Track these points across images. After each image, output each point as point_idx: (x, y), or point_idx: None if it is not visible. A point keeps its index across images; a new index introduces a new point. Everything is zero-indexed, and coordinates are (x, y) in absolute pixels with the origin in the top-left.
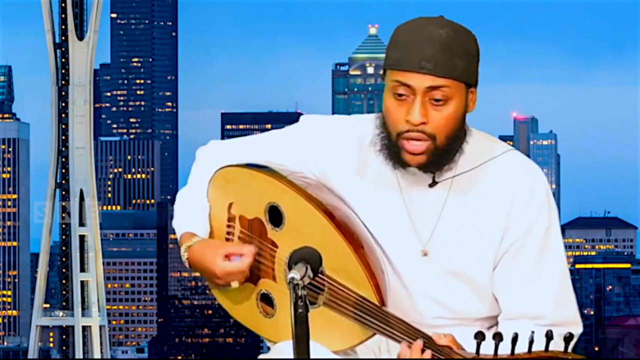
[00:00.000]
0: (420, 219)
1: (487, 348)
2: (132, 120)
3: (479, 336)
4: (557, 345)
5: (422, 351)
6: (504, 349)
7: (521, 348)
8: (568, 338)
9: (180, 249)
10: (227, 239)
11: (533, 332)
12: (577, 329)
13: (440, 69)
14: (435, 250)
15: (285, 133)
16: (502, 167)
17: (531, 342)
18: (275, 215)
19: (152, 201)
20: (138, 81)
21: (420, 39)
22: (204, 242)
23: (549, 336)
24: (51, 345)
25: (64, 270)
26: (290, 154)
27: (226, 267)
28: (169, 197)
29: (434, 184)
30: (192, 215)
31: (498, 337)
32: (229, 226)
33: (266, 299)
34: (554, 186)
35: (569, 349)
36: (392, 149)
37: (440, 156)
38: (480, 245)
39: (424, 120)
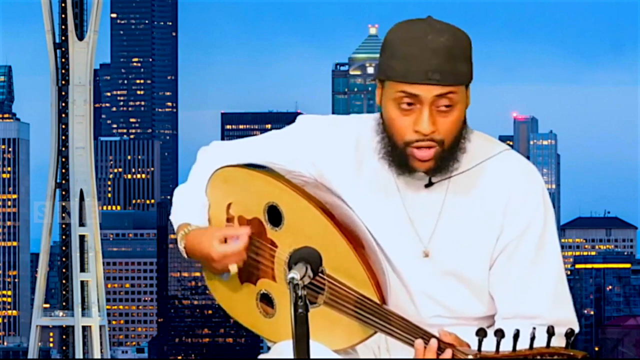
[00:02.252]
0: (420, 220)
1: (489, 345)
2: (132, 120)
3: (481, 333)
4: (556, 344)
5: (439, 352)
6: (506, 346)
7: (522, 346)
8: (569, 334)
9: (178, 241)
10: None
11: (534, 328)
12: (574, 329)
13: (447, 78)
14: (436, 250)
15: (283, 133)
16: (498, 167)
17: (532, 339)
18: (275, 215)
19: (152, 201)
20: (138, 81)
21: (423, 49)
22: (199, 229)
23: (550, 332)
24: (51, 345)
25: (64, 270)
26: (287, 154)
27: (223, 249)
28: (169, 197)
29: (430, 184)
30: (190, 209)
31: (499, 333)
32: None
33: (266, 299)
34: (553, 186)
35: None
36: (399, 157)
37: (446, 159)
38: (477, 245)
39: (433, 129)
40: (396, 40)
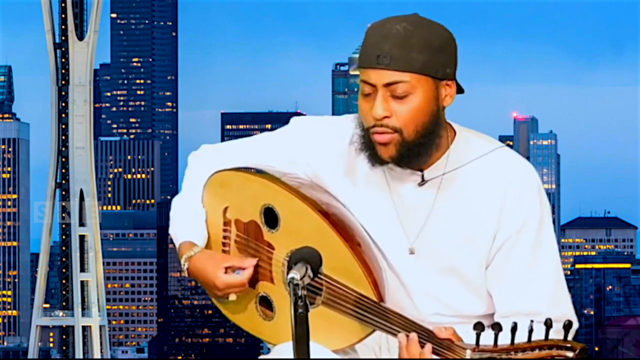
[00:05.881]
0: (409, 218)
1: (487, 340)
2: (132, 120)
3: (478, 327)
4: (555, 337)
5: (422, 345)
6: (503, 340)
7: (520, 340)
8: (567, 326)
9: (179, 258)
10: (224, 244)
11: (532, 320)
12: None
13: (396, 63)
14: (423, 248)
15: (277, 135)
16: (493, 165)
17: (530, 331)
18: (271, 217)
19: (152, 201)
20: (138, 81)
21: (378, 35)
22: (205, 253)
23: (548, 324)
24: (51, 345)
25: (64, 270)
26: (282, 156)
27: (227, 280)
28: (169, 197)
29: (423, 182)
30: (188, 222)
31: (497, 327)
32: (225, 230)
33: (265, 302)
34: (553, 186)
35: (568, 338)
36: (367, 144)
37: (411, 150)
38: (472, 243)
39: (386, 114)
40: (367, 31)
